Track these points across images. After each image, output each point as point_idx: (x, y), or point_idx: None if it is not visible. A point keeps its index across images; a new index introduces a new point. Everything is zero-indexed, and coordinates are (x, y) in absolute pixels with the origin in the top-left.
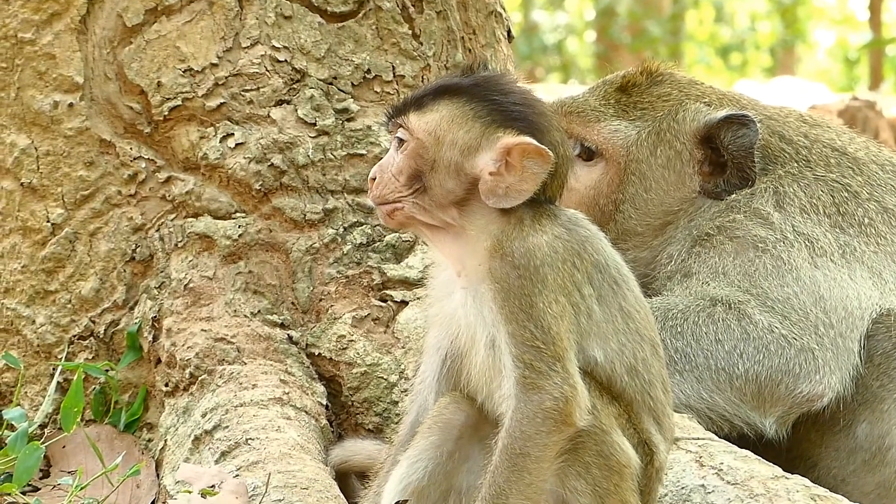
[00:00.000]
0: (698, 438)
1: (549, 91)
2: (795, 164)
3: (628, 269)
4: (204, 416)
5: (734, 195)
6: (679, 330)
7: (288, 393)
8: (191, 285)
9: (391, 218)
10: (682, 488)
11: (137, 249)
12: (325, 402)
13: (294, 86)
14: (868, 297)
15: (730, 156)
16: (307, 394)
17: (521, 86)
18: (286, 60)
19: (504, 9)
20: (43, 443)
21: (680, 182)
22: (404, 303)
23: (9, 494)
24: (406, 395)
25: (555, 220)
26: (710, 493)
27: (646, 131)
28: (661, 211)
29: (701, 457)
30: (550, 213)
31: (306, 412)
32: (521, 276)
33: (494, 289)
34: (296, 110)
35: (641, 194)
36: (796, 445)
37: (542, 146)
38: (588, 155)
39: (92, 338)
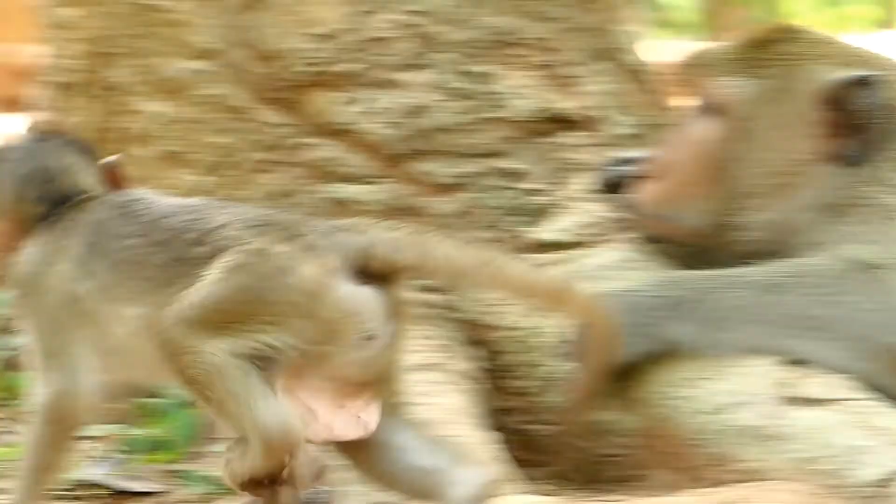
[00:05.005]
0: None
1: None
2: None
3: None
4: None
5: (863, 166)
6: (815, 296)
7: (449, 357)
8: None
9: None
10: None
11: None
12: (483, 366)
13: (427, 49)
14: None
15: (852, 118)
16: (466, 359)
17: None
18: (419, 24)
19: None
20: None
21: (796, 143)
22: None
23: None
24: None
25: None
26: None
27: (764, 89)
28: (775, 172)
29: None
30: None
31: (467, 377)
32: None
33: None
34: (429, 74)
35: (755, 154)
36: None
37: None
38: (709, 110)
39: None
